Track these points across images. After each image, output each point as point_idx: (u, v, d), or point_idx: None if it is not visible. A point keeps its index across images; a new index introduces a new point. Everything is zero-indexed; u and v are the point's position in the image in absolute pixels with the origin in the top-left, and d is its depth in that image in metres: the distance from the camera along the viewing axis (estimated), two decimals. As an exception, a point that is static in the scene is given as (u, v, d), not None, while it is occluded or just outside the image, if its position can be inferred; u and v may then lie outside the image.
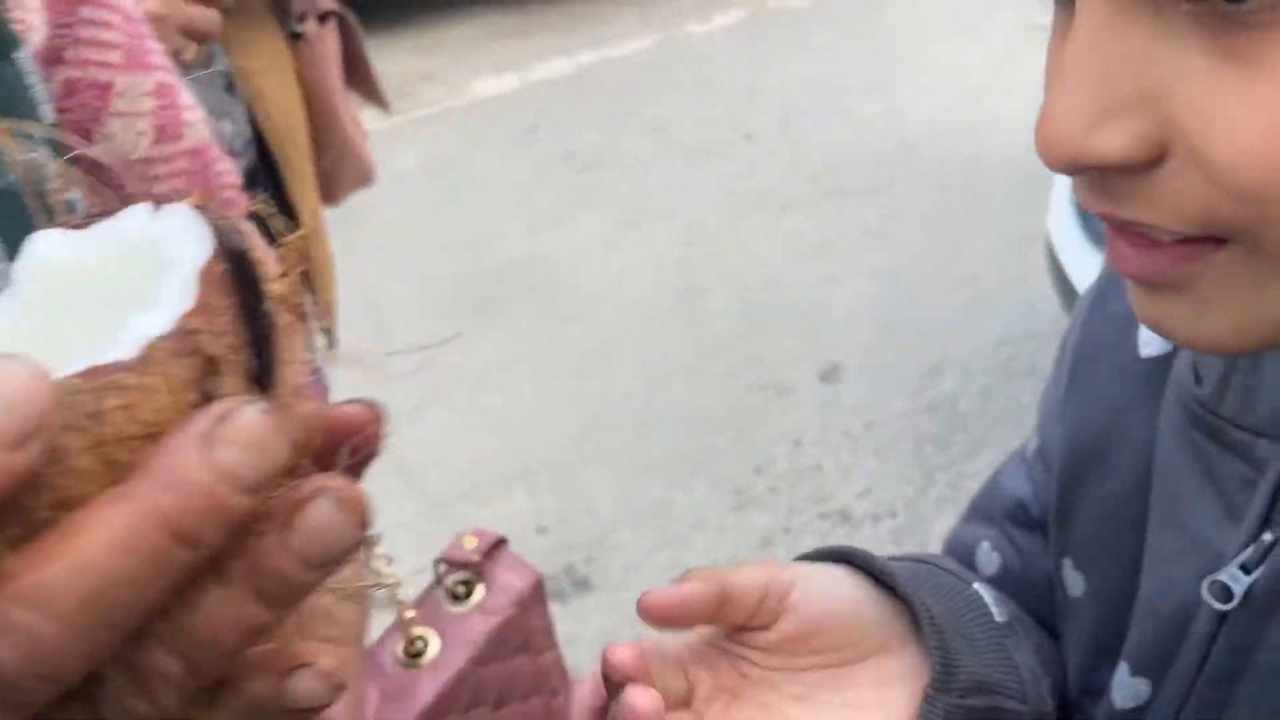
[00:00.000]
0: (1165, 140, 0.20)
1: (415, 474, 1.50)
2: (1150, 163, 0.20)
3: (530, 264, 1.87)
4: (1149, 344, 0.32)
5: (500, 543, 0.60)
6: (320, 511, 0.13)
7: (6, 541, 0.11)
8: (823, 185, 2.05)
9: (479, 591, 0.59)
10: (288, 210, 0.82)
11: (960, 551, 0.40)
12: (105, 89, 0.39)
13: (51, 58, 0.36)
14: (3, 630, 0.11)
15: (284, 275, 0.14)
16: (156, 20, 0.61)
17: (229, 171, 0.47)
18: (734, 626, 0.30)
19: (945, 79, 2.33)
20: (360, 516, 0.13)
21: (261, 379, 0.13)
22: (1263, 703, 0.26)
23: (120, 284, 0.13)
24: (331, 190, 0.89)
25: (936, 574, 0.34)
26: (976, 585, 0.34)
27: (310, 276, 0.84)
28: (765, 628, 0.30)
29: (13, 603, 0.11)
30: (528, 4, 2.79)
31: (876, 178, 2.08)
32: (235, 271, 0.13)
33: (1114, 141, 0.20)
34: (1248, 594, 0.25)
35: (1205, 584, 0.26)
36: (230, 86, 0.77)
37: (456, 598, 0.59)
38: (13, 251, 0.16)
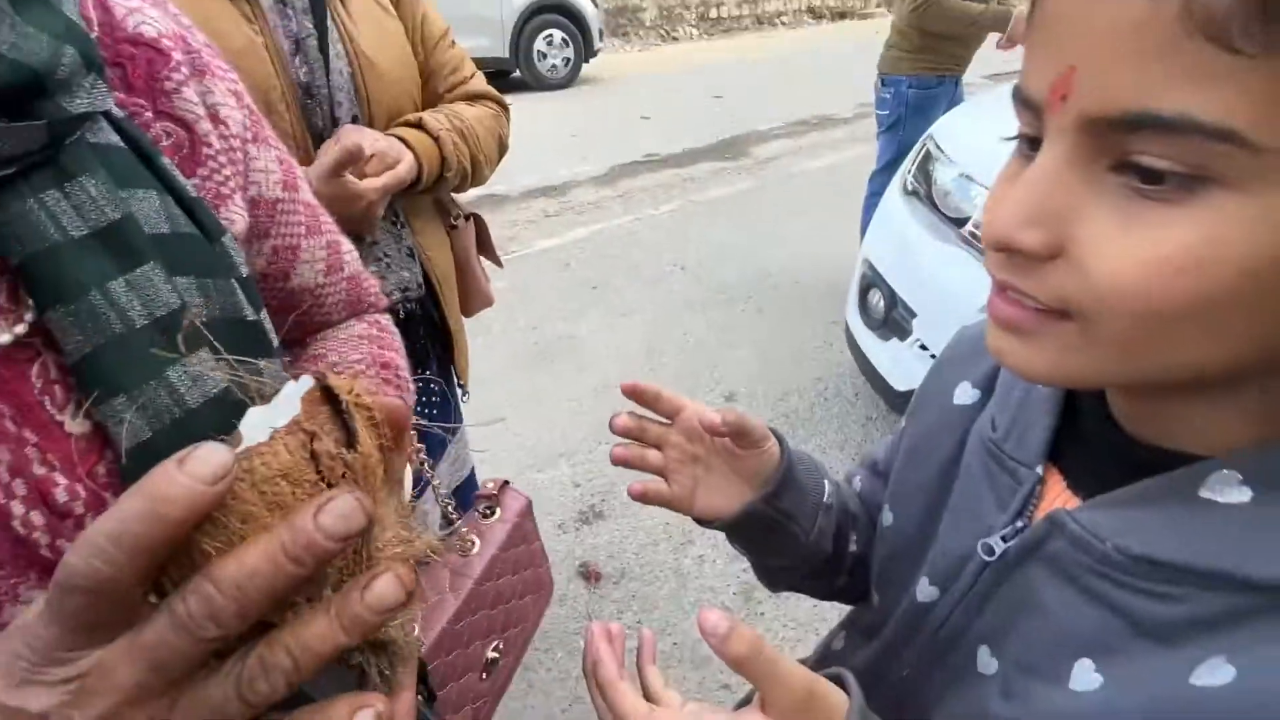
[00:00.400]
0: (1063, 247, 0.26)
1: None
2: (1048, 257, 0.26)
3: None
4: (959, 397, 0.43)
5: (506, 483, 0.78)
6: (385, 582, 0.20)
7: (211, 545, 0.18)
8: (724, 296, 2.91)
9: (498, 512, 0.76)
10: (443, 321, 1.03)
11: (848, 475, 0.58)
12: (295, 249, 0.48)
13: (256, 234, 0.45)
14: (197, 594, 0.18)
15: (352, 392, 0.23)
16: (353, 198, 0.79)
17: (373, 286, 0.57)
18: (740, 442, 0.47)
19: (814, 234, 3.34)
20: (409, 589, 0.20)
21: (350, 443, 0.21)
22: (999, 614, 0.35)
23: (280, 417, 0.21)
24: (468, 308, 1.12)
25: (815, 463, 0.52)
26: (826, 480, 0.51)
27: (456, 355, 1.08)
28: (750, 448, 0.47)
29: (205, 579, 0.18)
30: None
31: (756, 291, 2.92)
32: (326, 397, 0.22)
33: (1032, 239, 0.26)
34: (1003, 555, 0.35)
35: (979, 543, 0.36)
36: (412, 254, 0.96)
37: (485, 515, 0.77)
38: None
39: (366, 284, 0.56)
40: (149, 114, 0.37)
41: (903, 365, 1.71)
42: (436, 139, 0.89)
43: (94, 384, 0.30)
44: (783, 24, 10.90)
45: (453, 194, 1.06)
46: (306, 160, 0.81)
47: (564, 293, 2.98)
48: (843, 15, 11.38)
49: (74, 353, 0.30)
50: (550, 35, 6.47)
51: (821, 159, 4.62)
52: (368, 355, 0.51)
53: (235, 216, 0.41)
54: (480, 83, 1.01)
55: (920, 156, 1.87)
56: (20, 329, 0.30)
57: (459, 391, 1.12)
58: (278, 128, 0.77)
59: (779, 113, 5.57)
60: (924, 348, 1.66)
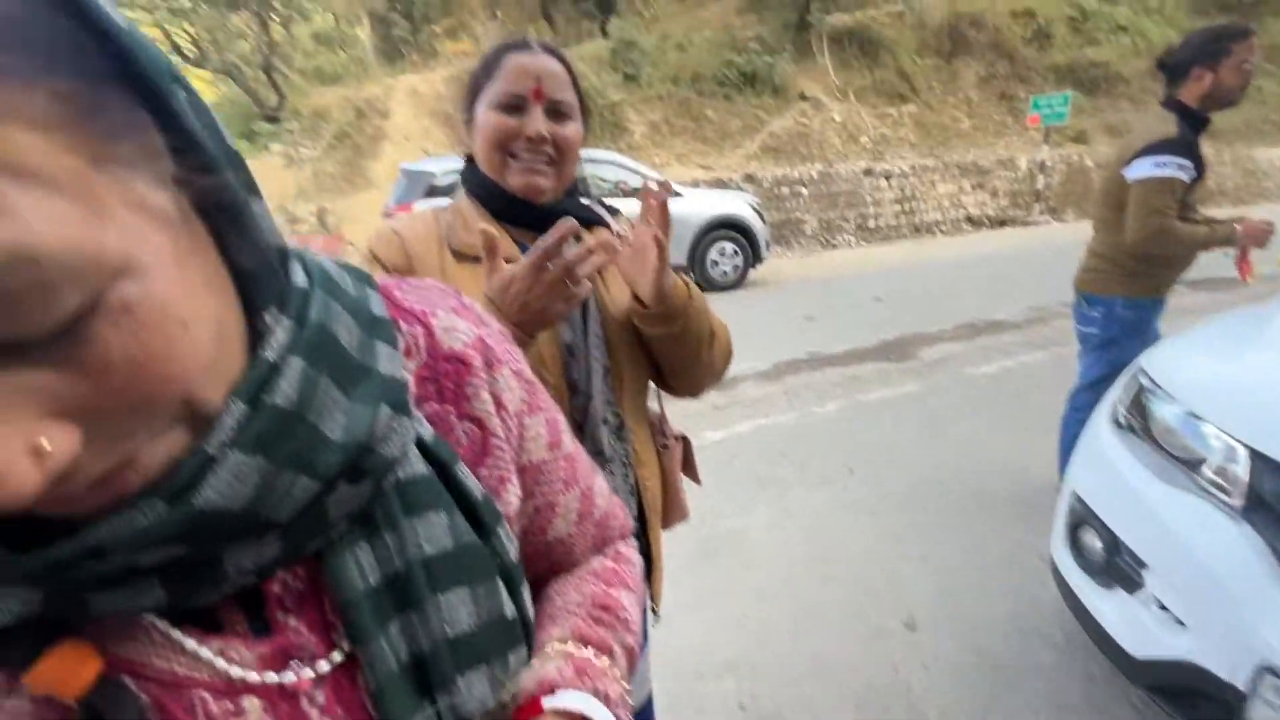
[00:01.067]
0: None
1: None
2: None
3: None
4: None
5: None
6: None
7: None
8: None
9: None
10: (647, 544, 1.01)
11: None
12: (554, 506, 0.50)
13: (521, 497, 0.47)
14: None
15: None
16: None
17: (619, 515, 0.57)
18: None
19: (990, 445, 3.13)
20: None
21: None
22: None
23: None
24: (667, 522, 1.11)
25: None
26: None
27: (655, 578, 1.04)
28: None
29: None
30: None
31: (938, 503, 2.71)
32: None
33: None
34: None
35: None
36: (633, 490, 0.98)
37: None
38: None
39: (613, 520, 0.57)
40: (454, 418, 0.42)
41: (1138, 627, 1.42)
42: (687, 282, 0.91)
43: (378, 713, 0.35)
44: (940, 232, 11.12)
45: (666, 413, 1.10)
46: (564, 409, 0.89)
47: (730, 487, 2.90)
48: (1003, 223, 11.38)
49: (365, 686, 0.35)
50: (723, 246, 7.17)
51: (993, 363, 4.40)
52: (589, 596, 0.51)
53: (511, 499, 0.44)
54: None
55: (1132, 391, 1.68)
56: (347, 646, 0.35)
57: (651, 615, 1.09)
58: (544, 381, 0.84)
59: (944, 316, 5.50)
60: (1164, 608, 1.38)
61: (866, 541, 2.52)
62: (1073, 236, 9.86)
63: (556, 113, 0.89)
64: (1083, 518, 1.62)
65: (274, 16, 14.95)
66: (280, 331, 0.31)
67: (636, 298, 0.89)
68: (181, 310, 0.26)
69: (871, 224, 10.99)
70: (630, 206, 6.72)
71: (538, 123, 0.87)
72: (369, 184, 12.08)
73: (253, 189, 0.31)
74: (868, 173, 11.00)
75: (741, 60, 12.82)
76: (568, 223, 0.78)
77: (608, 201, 1.13)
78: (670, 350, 0.94)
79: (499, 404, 0.44)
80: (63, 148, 0.23)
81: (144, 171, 0.26)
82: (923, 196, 11.21)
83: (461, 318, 0.45)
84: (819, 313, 5.91)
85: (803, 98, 12.91)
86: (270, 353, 0.30)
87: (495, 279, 0.79)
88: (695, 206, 7.11)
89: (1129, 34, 14.43)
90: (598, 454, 0.94)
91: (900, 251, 9.47)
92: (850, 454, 3.18)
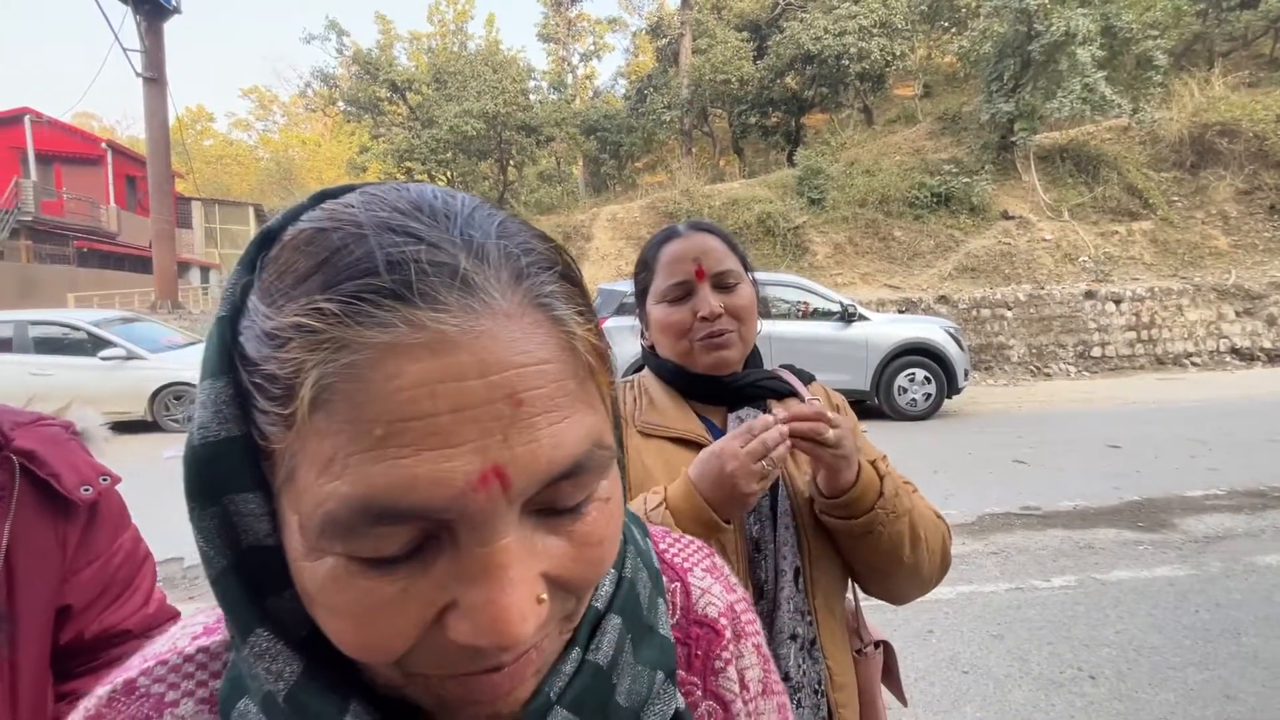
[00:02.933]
0: None
1: None
2: None
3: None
4: None
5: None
6: None
7: None
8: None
9: None
10: None
11: None
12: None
13: None
14: None
15: None
16: None
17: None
18: None
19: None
20: None
21: None
22: None
23: None
24: None
25: None
26: None
27: None
28: None
29: None
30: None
31: None
32: None
33: None
34: None
35: None
36: (830, 715, 0.83)
37: None
38: None
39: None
40: (699, 692, 0.39)
41: None
42: (882, 477, 0.82)
43: None
44: (1193, 365, 9.28)
45: (866, 619, 0.96)
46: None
47: (928, 672, 2.42)
48: (1286, 358, 9.24)
49: None
50: (912, 373, 6.61)
51: (1300, 551, 3.33)
52: None
53: None
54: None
55: None
56: None
57: None
58: None
59: (1211, 476, 4.39)
60: None
61: (1123, 790, 1.91)
62: (1403, 381, 7.57)
63: (723, 285, 0.89)
64: None
65: (511, 162, 17.96)
66: (606, 581, 0.33)
67: (815, 481, 0.83)
68: (620, 505, 0.30)
69: (1096, 352, 9.53)
70: (809, 329, 6.55)
71: (709, 301, 0.87)
72: (567, 298, 13.39)
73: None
74: (1089, 295, 9.71)
75: (934, 182, 12.45)
76: (805, 407, 0.77)
77: (799, 368, 1.06)
78: (858, 549, 0.83)
79: (742, 683, 0.42)
80: (604, 380, 0.30)
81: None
82: (1166, 324, 9.53)
83: (716, 580, 0.44)
84: (1032, 455, 5.06)
85: (1006, 216, 12.07)
86: (599, 602, 0.32)
87: (702, 453, 0.78)
88: (880, 330, 6.71)
89: None
90: (782, 678, 0.78)
91: (1138, 386, 8.01)
92: (1087, 652, 2.52)
